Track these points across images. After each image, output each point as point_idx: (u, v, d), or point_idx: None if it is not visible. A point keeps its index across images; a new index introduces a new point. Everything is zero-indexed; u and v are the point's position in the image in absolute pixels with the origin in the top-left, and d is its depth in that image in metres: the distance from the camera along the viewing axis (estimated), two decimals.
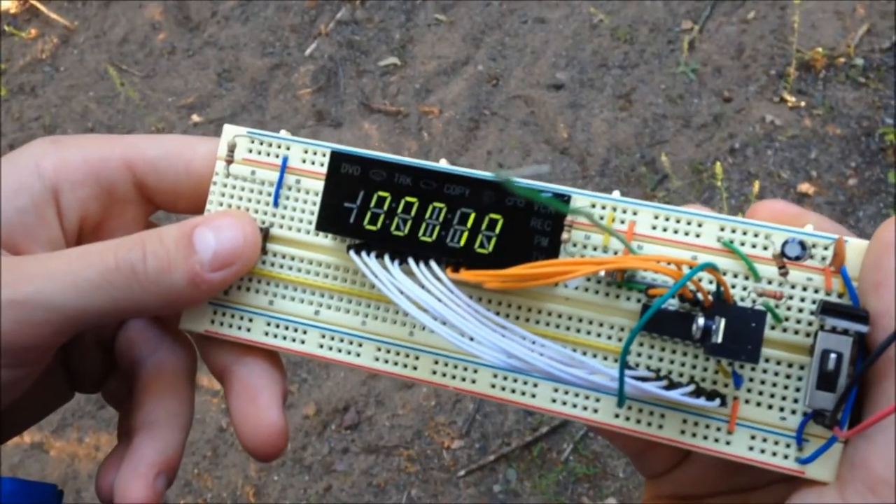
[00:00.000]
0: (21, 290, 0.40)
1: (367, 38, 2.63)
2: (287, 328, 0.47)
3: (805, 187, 2.07)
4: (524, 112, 2.36)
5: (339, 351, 0.46)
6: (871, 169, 2.10)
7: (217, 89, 2.57)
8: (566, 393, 0.43)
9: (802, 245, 0.40)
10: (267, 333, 0.47)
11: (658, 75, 2.36)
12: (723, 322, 0.38)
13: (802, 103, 2.21)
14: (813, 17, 2.34)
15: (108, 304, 0.41)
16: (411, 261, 0.43)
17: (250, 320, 0.47)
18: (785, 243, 0.40)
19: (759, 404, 0.41)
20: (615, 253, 0.43)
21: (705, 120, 2.25)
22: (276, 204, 0.47)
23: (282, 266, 0.47)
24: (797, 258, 0.40)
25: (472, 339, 0.39)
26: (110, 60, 2.74)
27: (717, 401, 0.40)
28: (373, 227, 0.44)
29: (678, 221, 0.42)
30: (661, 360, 0.42)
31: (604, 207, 0.43)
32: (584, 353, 0.43)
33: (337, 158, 0.45)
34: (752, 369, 0.41)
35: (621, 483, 1.85)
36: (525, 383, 0.44)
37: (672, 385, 0.40)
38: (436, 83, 2.49)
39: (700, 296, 0.39)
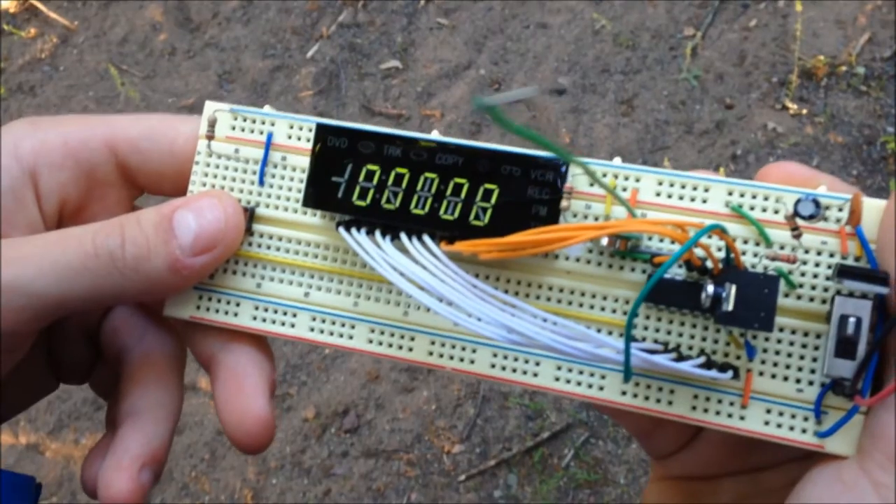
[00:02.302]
0: None
1: (368, 41, 2.63)
2: (276, 312, 0.45)
3: None
4: (524, 118, 2.35)
5: (332, 334, 0.44)
6: (873, 177, 2.09)
7: (218, 90, 2.56)
8: (570, 371, 0.41)
9: (816, 203, 0.38)
10: (255, 318, 0.45)
11: (660, 81, 2.35)
12: (734, 289, 0.37)
13: (804, 111, 2.21)
14: (814, 25, 2.33)
15: (87, 290, 0.40)
16: (403, 236, 0.42)
17: (237, 305, 0.45)
18: (798, 202, 0.38)
19: (773, 376, 0.39)
20: None
21: (707, 126, 2.24)
22: (261, 182, 0.45)
23: (269, 247, 0.45)
24: (811, 217, 0.38)
25: (470, 315, 0.38)
26: (110, 60, 2.73)
27: (730, 373, 0.38)
28: (362, 203, 0.42)
29: (683, 187, 0.40)
30: (668, 332, 0.40)
31: (605, 175, 0.41)
32: (587, 328, 0.41)
33: (323, 131, 0.44)
34: (766, 339, 0.39)
35: (622, 489, 1.84)
36: (526, 362, 0.42)
37: (681, 358, 0.39)
38: (437, 87, 2.49)
39: (709, 263, 0.38)
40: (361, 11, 2.68)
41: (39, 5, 2.85)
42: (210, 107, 0.46)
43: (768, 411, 0.39)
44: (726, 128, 2.22)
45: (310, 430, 2.01)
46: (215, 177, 0.46)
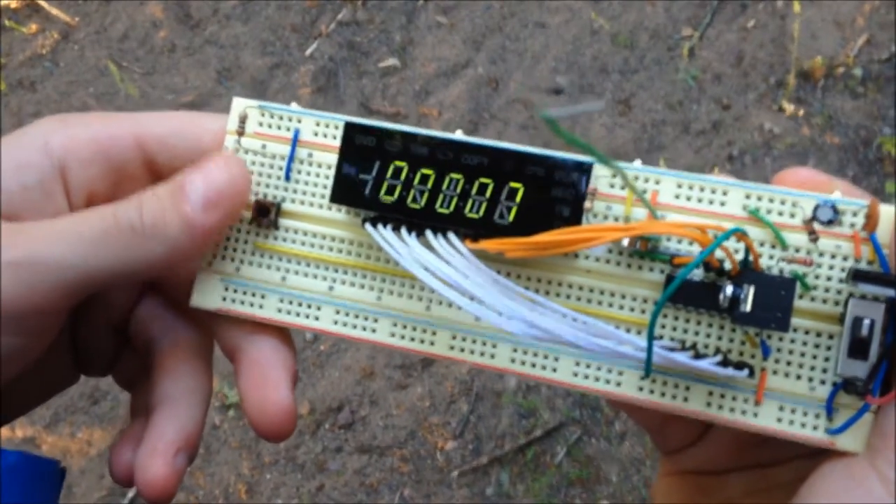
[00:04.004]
0: (22, 251, 0.40)
1: (367, 40, 2.63)
2: (301, 304, 0.46)
3: None
4: (524, 116, 2.36)
5: (355, 327, 0.45)
6: (869, 178, 2.10)
7: (217, 87, 2.56)
8: (588, 367, 0.42)
9: (835, 209, 0.39)
10: (280, 310, 0.46)
11: (658, 81, 2.36)
12: (752, 290, 0.38)
13: (801, 112, 2.22)
14: (813, 26, 2.34)
15: (112, 261, 0.41)
16: (429, 233, 0.42)
17: (263, 297, 0.46)
18: (816, 207, 0.39)
19: (787, 375, 0.40)
20: None
21: (704, 126, 2.25)
22: (287, 178, 0.46)
23: (294, 241, 0.46)
24: (829, 222, 0.39)
25: (493, 310, 0.39)
26: (111, 57, 2.73)
27: (745, 371, 0.39)
28: (389, 199, 0.43)
29: (702, 190, 0.41)
30: (685, 331, 0.41)
31: (623, 186, 0.42)
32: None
33: (351, 129, 0.44)
34: (781, 339, 0.40)
35: (614, 488, 1.85)
36: (546, 357, 0.43)
37: (699, 356, 0.40)
38: (435, 85, 2.49)
39: (727, 264, 0.39)
40: (361, 9, 2.68)
41: (41, 1, 2.85)
42: (240, 103, 0.47)
43: (781, 408, 0.40)
44: (723, 128, 2.23)
45: (304, 425, 2.01)
46: None
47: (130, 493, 1.96)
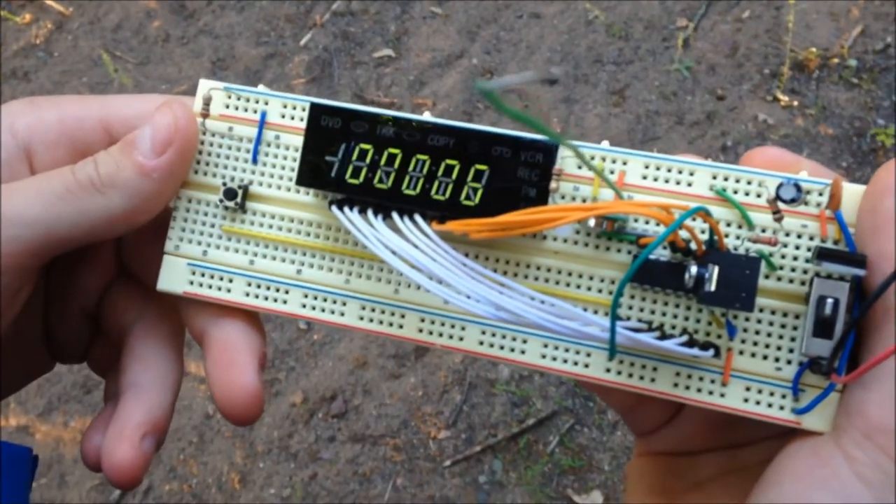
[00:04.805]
0: None
1: (362, 30, 2.63)
2: (269, 288, 0.46)
3: None
4: (518, 106, 2.35)
5: (323, 310, 0.45)
6: (862, 169, 2.10)
7: (211, 78, 2.56)
8: (556, 348, 0.42)
9: (798, 188, 0.39)
10: (248, 294, 0.46)
11: (652, 72, 2.36)
12: (716, 270, 0.38)
13: (795, 103, 2.22)
14: (807, 17, 2.34)
15: (72, 214, 0.41)
16: (395, 215, 0.42)
17: (230, 281, 0.46)
18: (780, 186, 0.39)
19: (753, 355, 0.40)
20: None
21: (698, 117, 2.25)
22: (255, 161, 0.46)
23: (262, 224, 0.46)
24: (792, 201, 0.39)
25: (460, 293, 0.39)
26: (104, 47, 2.73)
27: (711, 351, 0.39)
28: (355, 181, 0.43)
29: (669, 170, 0.41)
30: (652, 312, 0.41)
31: (593, 158, 0.42)
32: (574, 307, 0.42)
33: (317, 110, 0.44)
34: (747, 319, 0.40)
35: (606, 476, 1.85)
36: (514, 339, 0.43)
37: (665, 336, 0.40)
38: (430, 76, 2.49)
39: (693, 244, 0.39)
40: (355, 0, 2.68)
41: None
42: (205, 85, 0.47)
43: (748, 389, 0.40)
44: (717, 119, 2.23)
45: (297, 414, 2.01)
46: (209, 154, 0.46)
47: None
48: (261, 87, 0.46)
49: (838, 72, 2.24)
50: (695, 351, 0.39)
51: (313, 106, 0.44)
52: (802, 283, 0.39)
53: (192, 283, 0.46)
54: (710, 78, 2.31)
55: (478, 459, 1.90)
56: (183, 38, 2.72)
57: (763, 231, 0.40)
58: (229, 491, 1.95)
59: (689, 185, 0.41)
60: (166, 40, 2.73)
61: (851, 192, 0.39)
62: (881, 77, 2.22)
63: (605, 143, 0.42)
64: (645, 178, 0.41)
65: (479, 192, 0.41)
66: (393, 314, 0.44)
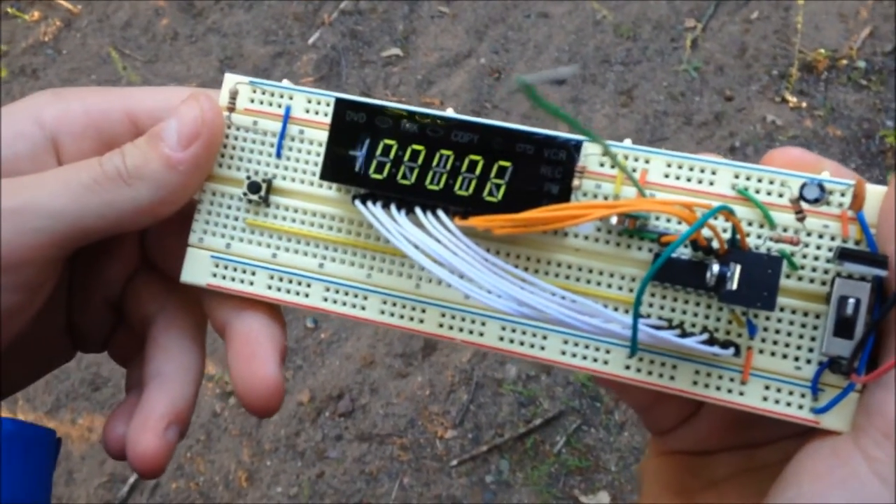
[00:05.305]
0: (14, 199, 0.40)
1: (370, 29, 2.63)
2: (291, 281, 0.46)
3: None
4: (525, 106, 2.35)
5: (344, 304, 0.45)
6: (871, 171, 2.10)
7: (219, 76, 2.56)
8: (576, 345, 0.42)
9: (821, 188, 0.39)
10: (270, 287, 0.46)
11: (660, 72, 2.36)
12: (738, 268, 0.38)
13: (804, 104, 2.22)
14: (816, 18, 2.34)
15: (99, 206, 0.42)
16: (418, 210, 0.42)
17: (253, 273, 0.46)
18: (804, 186, 0.39)
19: (773, 354, 0.40)
20: None
21: (706, 118, 2.25)
22: (278, 155, 0.46)
23: (285, 218, 0.46)
24: (815, 201, 0.39)
25: (482, 288, 0.39)
26: (113, 44, 2.73)
27: (731, 350, 0.39)
28: (378, 176, 0.43)
29: (691, 169, 0.41)
30: (672, 310, 0.41)
31: (615, 156, 0.42)
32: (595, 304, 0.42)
33: (341, 105, 0.44)
34: (767, 318, 0.40)
35: (613, 476, 1.85)
36: (534, 335, 0.43)
37: (685, 334, 0.40)
38: (438, 75, 2.49)
39: (715, 243, 0.39)
40: None
41: None
42: (231, 79, 0.47)
43: (767, 387, 0.40)
44: (725, 119, 2.23)
45: (304, 413, 2.01)
46: (234, 148, 0.47)
47: (132, 479, 1.97)
48: (285, 82, 0.46)
49: (847, 73, 2.25)
50: (715, 349, 0.39)
51: (338, 101, 0.44)
52: (823, 284, 0.39)
53: (215, 275, 0.46)
54: (718, 78, 2.31)
55: (484, 459, 1.91)
56: (191, 36, 2.73)
57: (784, 230, 0.40)
58: (236, 489, 1.95)
59: (711, 184, 0.41)
60: (175, 38, 2.74)
61: (873, 193, 0.39)
62: (890, 79, 2.22)
63: (628, 141, 0.42)
64: (667, 176, 0.42)
65: (502, 189, 0.42)
66: (414, 309, 0.44)
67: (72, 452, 2.04)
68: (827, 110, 2.19)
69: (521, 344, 0.43)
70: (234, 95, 0.47)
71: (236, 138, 0.47)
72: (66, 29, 2.83)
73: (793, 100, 2.21)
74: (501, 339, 0.43)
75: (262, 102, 0.46)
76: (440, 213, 0.42)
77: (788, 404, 0.40)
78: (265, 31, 2.68)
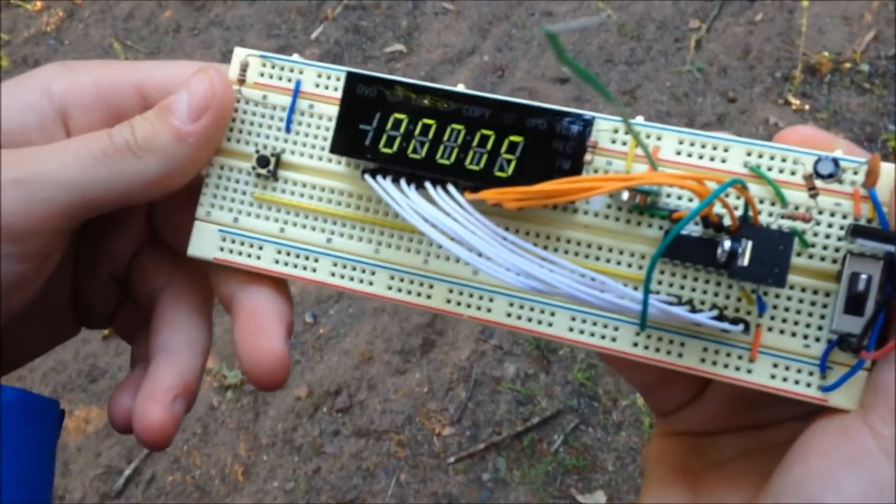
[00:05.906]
0: (23, 169, 0.40)
1: (373, 24, 2.63)
2: (298, 256, 0.46)
3: None
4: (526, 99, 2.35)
5: (352, 279, 0.45)
6: None
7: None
8: (584, 321, 0.42)
9: (836, 163, 0.39)
10: (277, 261, 0.46)
11: (664, 73, 2.36)
12: (749, 244, 0.38)
13: (806, 107, 2.22)
14: (820, 21, 2.34)
15: (108, 177, 0.42)
16: (428, 184, 0.42)
17: (260, 248, 0.46)
18: (818, 161, 0.39)
19: (782, 332, 0.40)
20: None
21: (709, 119, 2.25)
22: (288, 129, 0.46)
23: (293, 193, 0.46)
24: (830, 176, 0.39)
25: (491, 261, 0.39)
26: (115, 36, 2.73)
27: (741, 326, 0.39)
28: (389, 150, 0.43)
29: (703, 146, 0.41)
30: (682, 287, 0.41)
31: (627, 132, 0.42)
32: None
33: (353, 79, 0.44)
34: (777, 296, 0.40)
35: (610, 476, 1.85)
36: (542, 312, 0.43)
37: (695, 311, 0.40)
38: (441, 72, 2.49)
39: (727, 219, 0.39)
40: None
41: None
42: (241, 52, 0.47)
43: (775, 365, 0.40)
44: (728, 121, 2.23)
45: (302, 408, 2.01)
46: (243, 122, 0.46)
47: (127, 471, 1.97)
48: (296, 56, 0.46)
49: (850, 76, 2.25)
50: (725, 325, 0.39)
51: (350, 75, 0.44)
52: (833, 262, 0.39)
53: (222, 249, 0.46)
54: (721, 80, 2.31)
55: (482, 457, 1.90)
56: (194, 28, 2.73)
57: (796, 208, 0.40)
58: (233, 483, 1.95)
59: (724, 161, 0.41)
60: (177, 31, 2.74)
61: (885, 171, 0.39)
62: (893, 82, 2.22)
63: (640, 118, 0.42)
64: (679, 153, 0.41)
65: (513, 164, 0.42)
66: (422, 284, 0.44)
67: (68, 444, 2.04)
68: (830, 113, 2.19)
69: (529, 320, 0.43)
70: (244, 69, 0.47)
71: (245, 112, 0.47)
72: (68, 19, 2.83)
73: (796, 102, 2.21)
74: (509, 315, 0.43)
75: (272, 76, 0.46)
76: (450, 187, 0.42)
77: (797, 382, 0.40)
78: (268, 25, 2.68)
